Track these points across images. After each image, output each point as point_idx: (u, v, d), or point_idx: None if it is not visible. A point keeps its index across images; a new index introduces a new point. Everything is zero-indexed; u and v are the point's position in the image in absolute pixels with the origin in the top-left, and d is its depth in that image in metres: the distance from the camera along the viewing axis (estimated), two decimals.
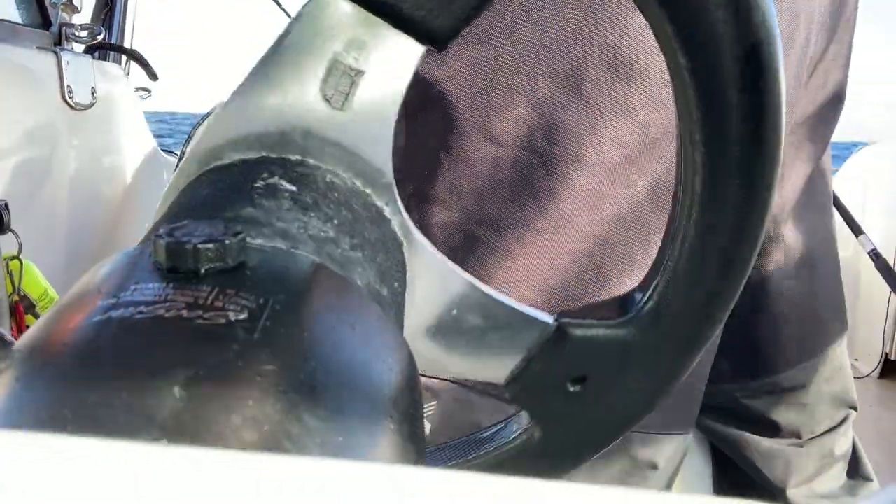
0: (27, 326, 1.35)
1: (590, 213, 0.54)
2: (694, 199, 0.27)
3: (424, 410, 0.56)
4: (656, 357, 0.31)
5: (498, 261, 0.55)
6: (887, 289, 2.40)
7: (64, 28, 1.95)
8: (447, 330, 0.30)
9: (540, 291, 0.55)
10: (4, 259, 1.33)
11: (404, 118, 0.58)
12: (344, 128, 0.27)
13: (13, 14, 1.89)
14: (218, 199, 0.25)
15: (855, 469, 0.73)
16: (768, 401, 0.69)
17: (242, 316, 0.18)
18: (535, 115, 0.54)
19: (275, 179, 0.26)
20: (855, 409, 0.71)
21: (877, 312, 2.43)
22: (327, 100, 0.27)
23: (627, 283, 0.55)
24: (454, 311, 0.29)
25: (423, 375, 0.58)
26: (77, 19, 2.07)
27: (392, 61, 0.27)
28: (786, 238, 0.67)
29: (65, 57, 1.83)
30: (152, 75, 2.32)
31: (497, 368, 0.31)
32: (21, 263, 1.37)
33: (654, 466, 0.61)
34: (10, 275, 1.35)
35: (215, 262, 0.19)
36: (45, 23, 1.94)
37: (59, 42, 1.93)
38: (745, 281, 0.29)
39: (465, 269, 0.58)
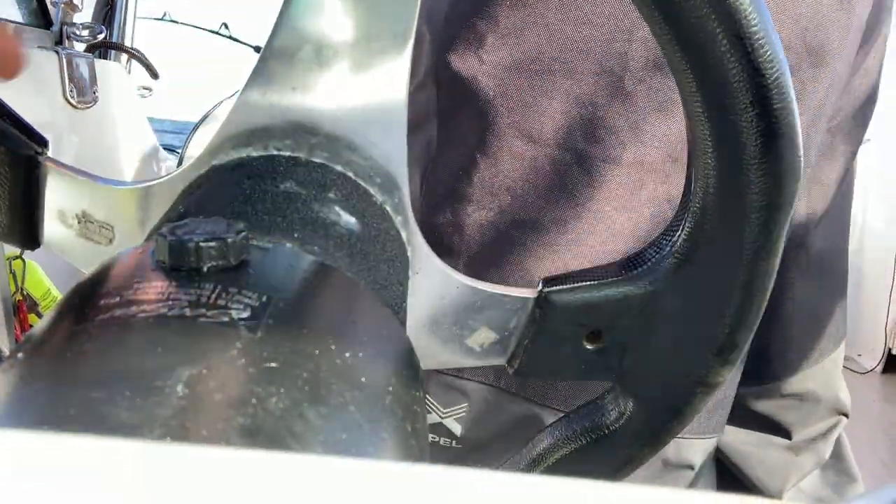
0: (30, 326, 1.35)
1: (628, 214, 0.54)
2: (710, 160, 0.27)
3: (455, 412, 0.56)
4: (690, 305, 0.30)
5: (533, 262, 0.54)
6: (890, 284, 2.40)
7: (65, 27, 1.94)
8: (441, 322, 0.30)
9: None
10: (7, 258, 1.33)
11: (437, 115, 0.57)
12: (351, 124, 0.27)
13: (14, 13, 1.89)
14: (223, 196, 0.25)
15: (839, 468, 0.73)
16: (766, 405, 0.69)
17: (245, 314, 0.18)
18: (575, 113, 0.53)
19: (281, 177, 0.26)
20: (847, 415, 0.71)
21: (880, 308, 2.43)
22: (332, 95, 0.27)
23: None
24: (444, 299, 0.30)
25: (449, 374, 0.57)
26: (78, 18, 2.07)
27: (391, 58, 0.27)
28: (808, 244, 0.66)
29: (66, 56, 1.83)
30: (153, 74, 2.32)
31: (492, 350, 0.31)
32: (24, 263, 1.37)
33: (690, 467, 0.60)
34: (13, 274, 1.35)
35: (218, 260, 0.19)
36: (47, 22, 1.94)
37: (60, 41, 1.93)
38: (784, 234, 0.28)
39: (500, 270, 0.57)
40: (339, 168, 0.28)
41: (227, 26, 2.84)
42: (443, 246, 0.57)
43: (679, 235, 0.29)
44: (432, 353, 0.31)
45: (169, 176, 0.28)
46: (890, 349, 2.43)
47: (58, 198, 0.30)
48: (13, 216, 0.30)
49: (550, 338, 0.31)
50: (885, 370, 2.45)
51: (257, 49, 2.77)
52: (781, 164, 0.25)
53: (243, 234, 0.20)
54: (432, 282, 0.30)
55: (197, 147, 2.09)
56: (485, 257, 0.56)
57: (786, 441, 0.69)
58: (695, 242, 0.29)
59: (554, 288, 0.30)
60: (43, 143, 0.30)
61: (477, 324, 0.30)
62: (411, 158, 0.56)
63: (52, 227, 0.31)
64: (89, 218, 0.30)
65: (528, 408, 0.56)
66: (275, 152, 0.27)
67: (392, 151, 0.28)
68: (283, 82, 0.27)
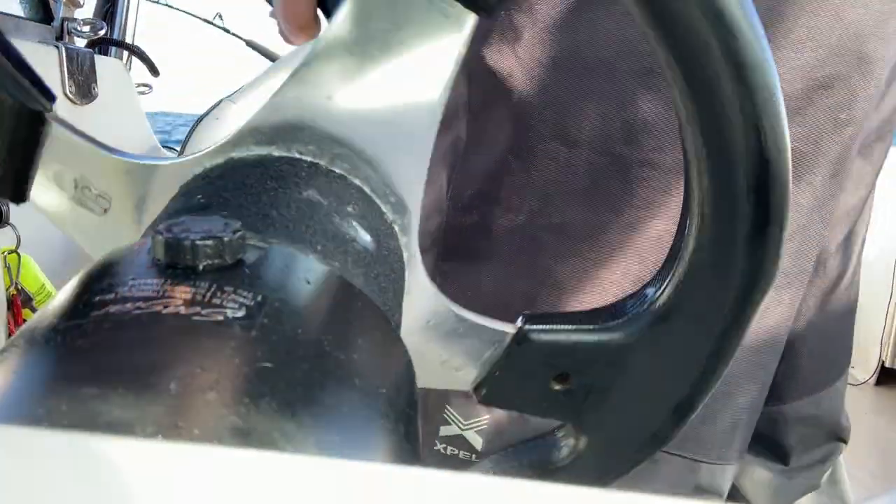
0: (24, 320, 1.35)
1: (664, 220, 0.51)
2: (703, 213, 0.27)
3: (477, 424, 0.55)
4: (658, 362, 0.31)
5: (564, 268, 0.52)
6: (885, 297, 2.40)
7: (66, 23, 1.95)
8: (421, 340, 0.30)
9: (608, 299, 0.52)
10: (2, 252, 1.33)
11: (467, 113, 0.55)
12: (375, 142, 0.27)
13: (15, 8, 1.89)
14: (246, 193, 0.25)
15: (832, 493, 0.72)
16: (768, 427, 0.67)
17: (240, 313, 0.18)
18: (613, 114, 0.50)
19: (304, 183, 0.26)
20: (846, 441, 0.71)
21: (874, 320, 2.43)
22: (328, 97, 0.27)
23: None
24: (430, 322, 0.30)
25: None
26: (79, 14, 2.07)
27: (383, 53, 0.27)
28: (828, 270, 0.63)
29: (66, 52, 1.83)
30: (153, 70, 2.32)
31: (463, 375, 0.32)
32: (19, 257, 1.37)
33: (720, 494, 0.59)
34: (8, 268, 1.35)
35: (214, 258, 0.19)
36: (48, 17, 1.94)
37: (60, 36, 1.93)
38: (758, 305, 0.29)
39: (530, 274, 0.55)
40: (356, 182, 0.28)
41: (221, 17, 2.83)
42: (469, 249, 0.55)
43: (661, 292, 0.30)
44: None
45: (181, 159, 0.28)
46: (883, 362, 2.44)
47: (58, 158, 0.29)
48: (6, 167, 0.29)
49: (520, 372, 0.31)
50: (879, 382, 2.46)
51: (249, 43, 2.76)
52: (768, 251, 0.27)
53: (240, 233, 0.20)
54: (422, 304, 0.30)
55: (198, 143, 2.08)
56: (513, 263, 0.54)
57: (781, 465, 0.68)
58: (674, 303, 0.30)
59: (534, 326, 0.31)
60: (51, 99, 0.29)
61: (455, 349, 0.31)
62: (437, 157, 0.55)
63: (47, 187, 0.30)
64: (87, 184, 0.30)
65: (550, 423, 0.55)
66: (297, 155, 0.27)
67: (411, 175, 0.28)
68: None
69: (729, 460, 0.58)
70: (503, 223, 0.53)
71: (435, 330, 0.30)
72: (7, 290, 1.33)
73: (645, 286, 0.30)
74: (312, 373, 0.17)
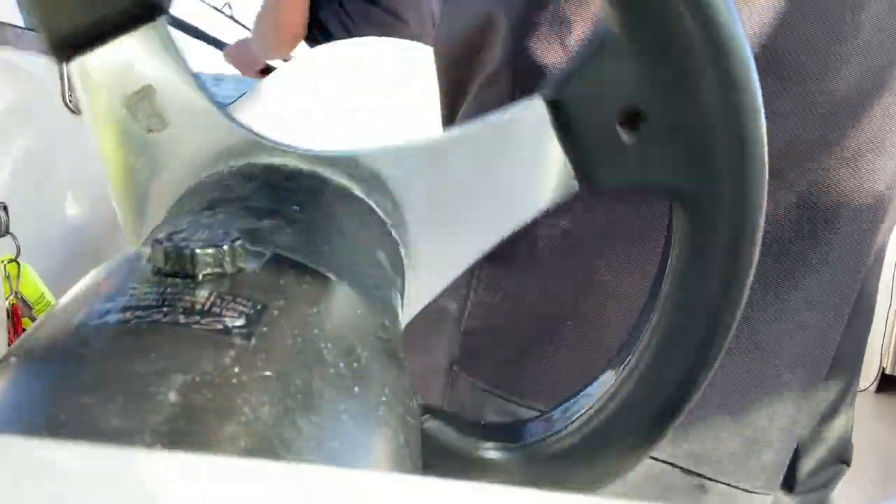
0: (24, 329, 1.35)
1: None
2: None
3: None
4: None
5: (608, 276, 0.49)
6: (885, 304, 2.40)
7: None
8: (451, 198, 0.30)
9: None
10: (2, 262, 1.33)
11: (460, 89, 0.53)
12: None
13: (16, 17, 1.89)
14: (214, 203, 0.25)
15: None
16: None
17: (239, 322, 0.18)
18: None
19: (271, 185, 0.26)
20: (848, 464, 0.69)
21: (874, 327, 2.43)
22: (151, 130, 0.27)
23: (757, 319, 0.50)
24: (444, 173, 0.29)
25: (510, 401, 0.54)
26: None
27: (160, 59, 0.27)
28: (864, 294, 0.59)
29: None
30: None
31: (541, 189, 0.30)
32: (19, 266, 1.37)
33: None
34: (8, 277, 1.35)
35: (213, 267, 0.19)
36: None
37: None
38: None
39: (570, 285, 0.52)
40: (354, 189, 0.28)
41: (230, 6, 2.83)
42: (505, 256, 0.52)
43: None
44: None
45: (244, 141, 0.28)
46: (884, 369, 2.44)
47: (147, 52, 0.27)
48: (97, 16, 0.26)
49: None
50: (879, 389, 2.45)
51: None
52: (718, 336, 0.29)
53: (239, 241, 0.20)
54: (429, 285, 0.30)
55: None
56: (554, 270, 0.51)
57: (785, 490, 0.66)
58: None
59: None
60: (166, 7, 0.27)
61: None
62: None
63: (111, 71, 0.27)
64: (153, 98, 0.27)
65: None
66: (295, 164, 0.28)
67: (382, 154, 0.28)
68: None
69: (771, 490, 0.56)
70: (544, 227, 0.50)
71: (456, 170, 0.29)
72: (7, 299, 1.33)
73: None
74: (312, 381, 0.17)
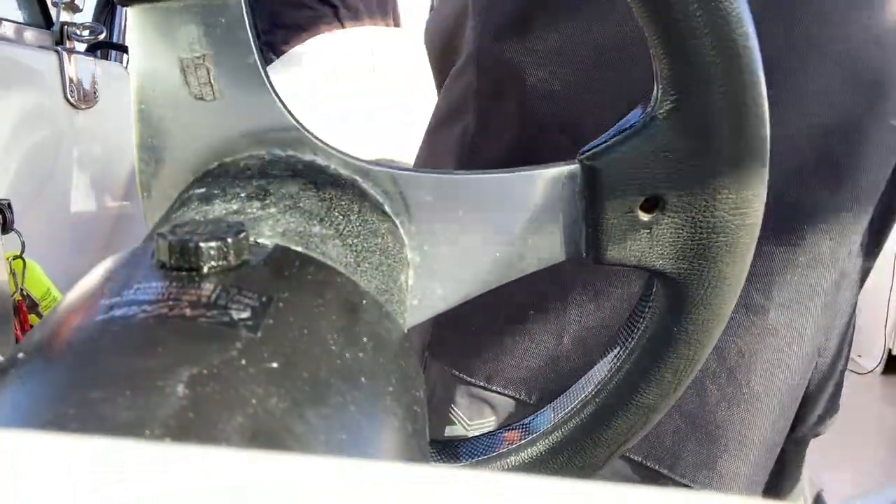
0: (30, 326, 1.35)
1: None
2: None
3: (482, 425, 0.55)
4: (701, 133, 0.29)
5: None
6: (889, 285, 2.40)
7: (65, 27, 1.94)
8: (471, 239, 0.30)
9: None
10: (7, 258, 1.33)
11: (476, 103, 0.53)
12: (255, 116, 0.27)
13: (15, 13, 1.89)
14: (217, 197, 0.25)
15: None
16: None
17: (245, 314, 0.18)
18: (623, 107, 0.47)
19: (276, 177, 0.26)
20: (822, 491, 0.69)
21: (880, 308, 2.43)
22: (200, 98, 0.27)
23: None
24: (460, 213, 0.30)
25: (478, 386, 0.55)
26: (79, 18, 2.07)
27: (225, 31, 0.26)
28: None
29: (66, 56, 1.83)
30: None
31: (553, 245, 0.31)
32: (24, 263, 1.37)
33: None
34: (14, 274, 1.35)
35: (218, 260, 0.19)
36: (47, 22, 1.94)
37: (60, 41, 1.93)
38: None
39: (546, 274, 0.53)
40: (359, 181, 0.28)
41: None
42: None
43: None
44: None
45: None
46: (890, 350, 2.43)
47: (209, 26, 0.26)
48: None
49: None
50: (885, 371, 2.45)
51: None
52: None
53: (244, 234, 0.20)
54: (452, 279, 0.30)
55: None
56: None
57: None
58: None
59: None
60: None
61: None
62: (445, 148, 0.54)
63: (170, 35, 0.27)
64: (210, 67, 0.27)
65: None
66: (274, 152, 0.28)
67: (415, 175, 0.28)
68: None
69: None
70: None
71: (478, 212, 0.30)
72: (13, 295, 1.33)
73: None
74: (319, 372, 0.18)
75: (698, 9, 0.24)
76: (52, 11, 1.94)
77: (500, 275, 0.30)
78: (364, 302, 0.22)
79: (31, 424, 0.15)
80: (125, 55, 2.32)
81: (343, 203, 0.27)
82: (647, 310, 0.32)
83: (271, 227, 0.24)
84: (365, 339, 0.20)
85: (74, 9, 2.00)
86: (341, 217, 0.26)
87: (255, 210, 0.24)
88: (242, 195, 0.25)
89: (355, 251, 0.25)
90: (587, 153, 0.29)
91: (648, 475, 0.52)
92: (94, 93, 1.93)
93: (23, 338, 0.19)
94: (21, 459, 0.10)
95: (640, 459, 0.52)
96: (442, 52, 0.58)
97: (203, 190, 0.26)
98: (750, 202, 0.28)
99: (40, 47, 1.81)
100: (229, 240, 0.19)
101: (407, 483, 0.10)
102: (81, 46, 2.06)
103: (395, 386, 0.20)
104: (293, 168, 0.27)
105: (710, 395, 0.51)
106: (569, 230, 0.30)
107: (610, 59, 0.48)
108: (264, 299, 0.19)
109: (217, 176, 0.27)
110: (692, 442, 0.52)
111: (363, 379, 0.19)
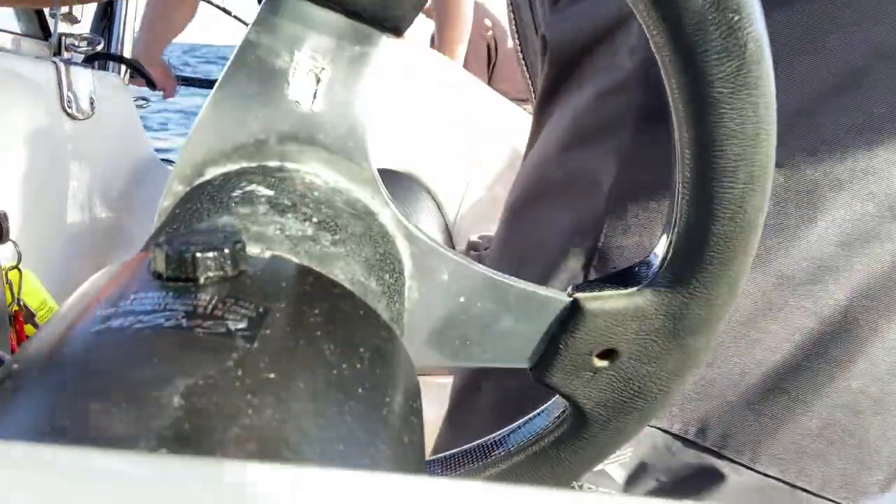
0: (26, 336, 1.35)
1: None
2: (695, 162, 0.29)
3: (618, 457, 0.51)
4: (678, 323, 0.31)
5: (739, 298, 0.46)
6: None
7: (63, 38, 1.95)
8: (459, 319, 0.30)
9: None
10: (4, 269, 1.33)
11: (634, 122, 0.51)
12: (316, 127, 0.27)
13: (12, 24, 1.89)
14: (199, 214, 0.25)
15: None
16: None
17: (242, 325, 0.18)
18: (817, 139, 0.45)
19: (252, 187, 0.26)
20: None
21: None
22: (296, 102, 0.27)
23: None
24: (461, 299, 0.30)
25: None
26: (77, 29, 2.07)
27: (354, 57, 0.27)
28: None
29: (64, 67, 1.84)
30: (151, 85, 2.32)
31: (518, 352, 0.31)
32: (20, 273, 1.37)
33: None
34: (10, 284, 1.35)
35: (215, 270, 0.19)
36: (45, 33, 1.95)
37: (58, 52, 1.94)
38: (758, 233, 0.29)
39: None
40: (314, 170, 0.28)
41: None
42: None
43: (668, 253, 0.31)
44: (453, 350, 0.31)
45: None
46: None
47: (342, 49, 0.27)
48: None
49: (571, 348, 0.31)
50: None
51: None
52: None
53: (240, 244, 0.20)
54: (442, 279, 0.30)
55: None
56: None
57: None
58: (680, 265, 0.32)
59: (585, 294, 0.31)
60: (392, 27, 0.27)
61: (500, 320, 0.31)
62: (591, 168, 0.53)
63: (296, 40, 0.27)
64: (318, 56, 0.27)
65: (705, 458, 0.49)
66: (249, 164, 0.28)
67: (364, 149, 0.28)
68: (246, 96, 0.27)
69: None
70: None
71: (476, 300, 0.30)
72: (9, 306, 1.33)
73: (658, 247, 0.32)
74: (315, 383, 0.17)
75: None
76: (50, 22, 1.95)
77: (464, 357, 0.31)
78: (361, 313, 0.22)
79: (26, 436, 0.15)
80: (123, 66, 2.33)
81: (344, 217, 0.27)
82: (549, 422, 0.34)
83: (270, 236, 0.24)
84: (362, 350, 0.20)
85: (72, 20, 2.01)
86: (340, 228, 0.26)
87: (257, 218, 0.24)
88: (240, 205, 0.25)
89: (355, 262, 0.25)
90: (581, 290, 0.31)
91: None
92: (92, 104, 1.94)
93: (19, 349, 0.19)
94: (16, 471, 0.10)
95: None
96: (557, 62, 0.56)
97: (195, 205, 0.26)
98: (676, 386, 0.32)
99: (38, 58, 1.81)
100: (226, 250, 0.19)
101: (404, 494, 0.10)
102: (79, 57, 2.06)
103: (391, 397, 0.20)
104: (352, 210, 0.28)
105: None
106: (530, 343, 0.31)
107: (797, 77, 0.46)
108: (261, 310, 0.19)
109: (207, 186, 0.27)
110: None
111: (360, 390, 0.19)
